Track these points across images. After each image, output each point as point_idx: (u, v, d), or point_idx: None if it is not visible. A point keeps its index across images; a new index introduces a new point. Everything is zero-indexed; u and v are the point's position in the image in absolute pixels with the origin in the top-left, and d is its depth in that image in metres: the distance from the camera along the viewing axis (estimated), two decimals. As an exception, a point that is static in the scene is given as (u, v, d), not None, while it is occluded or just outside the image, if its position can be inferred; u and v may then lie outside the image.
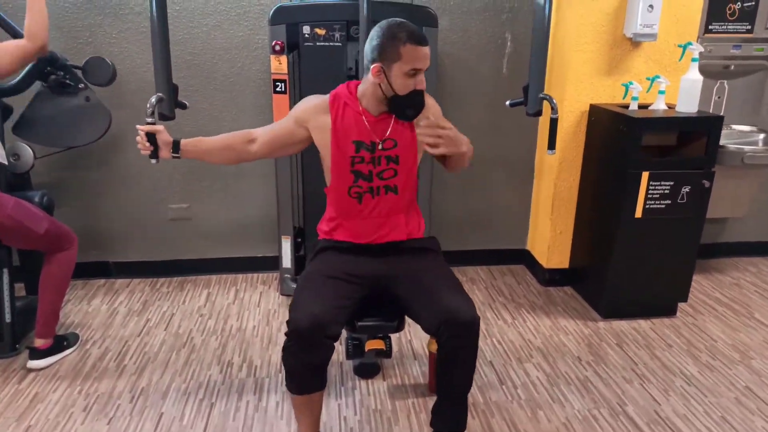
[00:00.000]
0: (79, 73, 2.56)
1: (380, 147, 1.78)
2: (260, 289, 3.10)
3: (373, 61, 1.65)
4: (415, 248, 1.88)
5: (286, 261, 2.94)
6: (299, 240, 3.03)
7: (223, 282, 3.17)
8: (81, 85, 2.56)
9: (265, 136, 1.84)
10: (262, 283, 3.17)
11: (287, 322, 1.62)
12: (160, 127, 1.76)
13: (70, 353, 2.47)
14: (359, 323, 1.81)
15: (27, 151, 2.57)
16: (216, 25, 2.88)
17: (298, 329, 1.57)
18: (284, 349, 1.62)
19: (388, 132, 1.78)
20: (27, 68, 2.47)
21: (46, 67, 2.50)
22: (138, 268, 3.19)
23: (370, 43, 1.67)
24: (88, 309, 2.86)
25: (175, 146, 1.78)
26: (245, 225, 3.20)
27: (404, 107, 1.71)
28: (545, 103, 2.17)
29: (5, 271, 2.39)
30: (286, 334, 1.61)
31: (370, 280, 1.80)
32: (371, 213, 1.82)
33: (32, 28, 2.07)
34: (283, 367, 1.69)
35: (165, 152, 1.79)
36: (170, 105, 1.95)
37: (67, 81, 2.54)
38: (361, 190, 1.80)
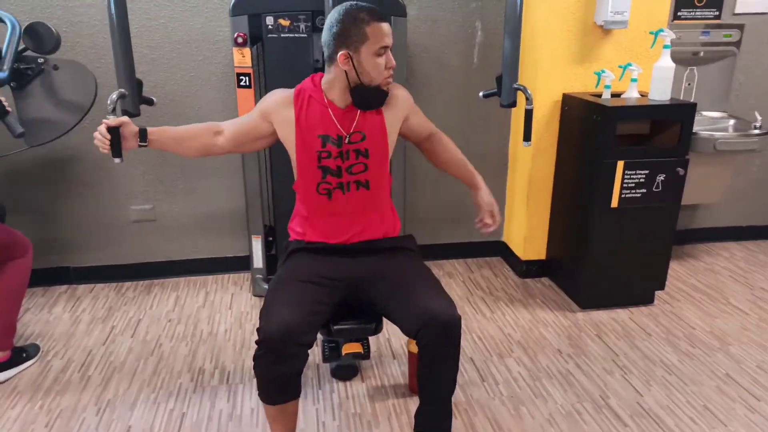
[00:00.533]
0: (30, 54, 2.36)
1: (347, 140, 1.70)
2: (231, 290, 2.99)
3: (337, 49, 1.58)
4: (391, 248, 1.81)
5: (258, 261, 2.84)
6: (270, 239, 2.93)
7: (192, 284, 3.06)
8: (40, 60, 2.36)
9: (232, 130, 1.76)
10: (234, 284, 3.06)
11: (257, 330, 1.53)
12: (124, 119, 1.65)
13: (30, 366, 2.33)
14: (335, 327, 1.74)
15: (-25, 154, 2.41)
16: (173, 16, 2.74)
17: (269, 338, 1.49)
18: (255, 358, 1.53)
19: (355, 124, 1.70)
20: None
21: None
22: (101, 272, 3.05)
23: (329, 32, 1.59)
24: (49, 318, 2.72)
25: (142, 135, 1.66)
26: (213, 224, 3.08)
27: (365, 99, 1.66)
28: (519, 94, 2.12)
29: (-46, 282, 2.24)
30: (256, 342, 1.52)
31: (346, 283, 1.72)
32: (342, 210, 1.74)
33: None
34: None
35: (132, 143, 1.65)
36: (134, 101, 1.82)
37: (24, 67, 2.34)
38: (330, 187, 1.72)
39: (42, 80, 2.35)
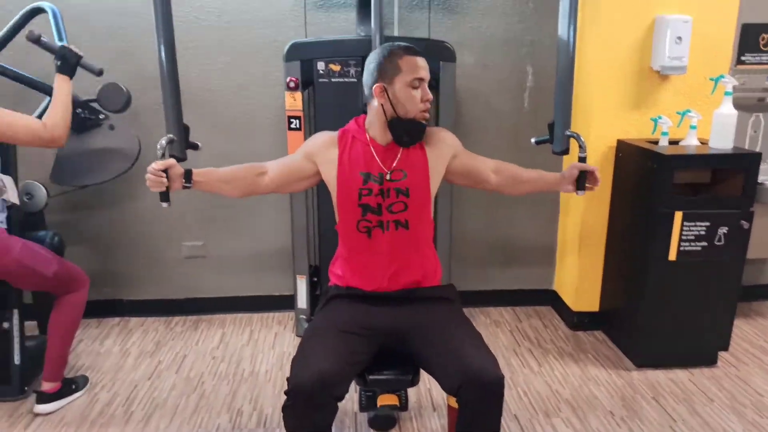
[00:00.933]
0: (96, 106, 2.54)
1: (388, 178, 1.69)
2: (275, 329, 3.00)
3: (374, 83, 1.65)
4: (432, 297, 1.75)
5: (301, 301, 2.84)
6: (315, 279, 2.94)
7: (239, 321, 3.09)
8: (101, 116, 2.55)
9: (276, 170, 1.79)
10: (278, 323, 3.08)
11: (288, 379, 1.50)
12: (171, 161, 1.69)
13: (78, 397, 2.39)
14: (370, 376, 1.69)
15: (40, 190, 2.55)
16: (231, 62, 2.86)
17: (300, 389, 1.45)
18: (284, 408, 1.49)
19: (396, 162, 1.70)
20: (41, 107, 2.47)
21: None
22: (153, 306, 3.13)
23: (367, 69, 1.68)
24: (100, 350, 2.79)
25: (187, 176, 1.71)
26: (261, 262, 3.13)
27: (402, 132, 1.68)
28: (572, 141, 2.06)
29: (15, 312, 2.35)
30: (286, 392, 1.49)
31: (383, 333, 1.67)
32: (382, 249, 1.71)
33: (55, 120, 2.03)
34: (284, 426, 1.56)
35: (177, 184, 1.69)
36: (182, 146, 1.88)
37: (87, 116, 2.52)
38: (370, 225, 1.70)
39: (96, 133, 2.53)
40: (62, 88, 2.10)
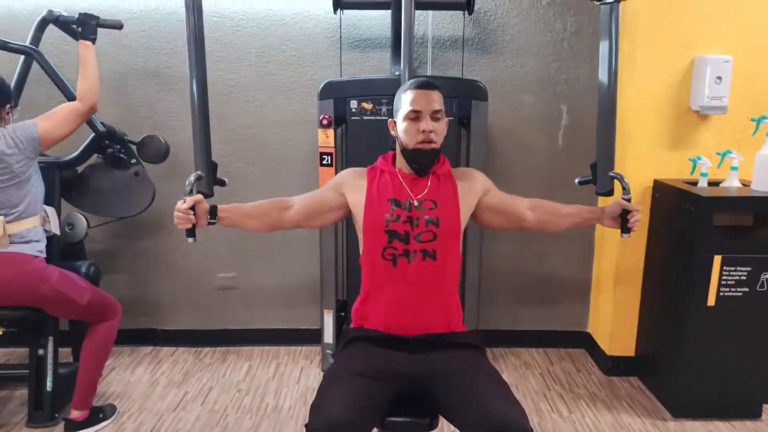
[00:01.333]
0: (134, 148, 2.65)
1: (416, 205, 1.70)
2: (302, 363, 3.00)
3: (390, 119, 1.78)
4: (457, 344, 1.70)
5: (328, 336, 2.83)
6: (342, 314, 2.93)
7: (266, 354, 3.10)
8: (133, 160, 2.66)
9: (301, 204, 1.82)
10: (305, 357, 3.07)
11: (306, 426, 1.47)
12: (199, 197, 1.72)
13: (105, 426, 2.42)
14: (388, 419, 1.65)
15: (81, 221, 2.65)
16: (268, 99, 2.94)
17: None
18: None
19: (426, 191, 1.73)
20: (87, 142, 2.59)
21: (105, 141, 2.60)
22: (184, 336, 3.18)
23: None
24: (130, 378, 2.84)
25: (213, 212, 1.74)
26: (291, 295, 3.14)
27: (410, 161, 1.73)
28: (616, 182, 1.99)
29: (50, 339, 2.42)
30: None
31: (404, 379, 1.63)
32: (406, 279, 1.68)
33: (85, 90, 2.24)
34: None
35: (203, 221, 1.73)
36: (209, 182, 1.93)
37: (122, 155, 2.63)
38: (396, 252, 1.68)
39: (119, 173, 2.65)
40: (87, 55, 2.29)
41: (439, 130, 1.69)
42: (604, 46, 1.88)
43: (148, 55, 2.90)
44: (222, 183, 1.97)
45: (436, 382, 1.61)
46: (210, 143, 1.92)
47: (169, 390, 2.73)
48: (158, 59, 2.90)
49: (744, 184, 2.47)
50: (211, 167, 1.92)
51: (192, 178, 1.79)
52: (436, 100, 1.68)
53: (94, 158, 2.68)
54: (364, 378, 1.58)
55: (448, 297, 1.74)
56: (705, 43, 2.53)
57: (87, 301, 2.26)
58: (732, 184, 2.46)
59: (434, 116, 1.67)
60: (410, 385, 1.64)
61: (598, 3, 1.91)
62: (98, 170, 2.70)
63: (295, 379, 2.84)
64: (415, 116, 1.67)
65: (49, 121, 2.18)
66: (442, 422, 1.69)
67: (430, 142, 1.67)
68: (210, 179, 1.90)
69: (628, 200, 1.80)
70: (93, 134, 2.59)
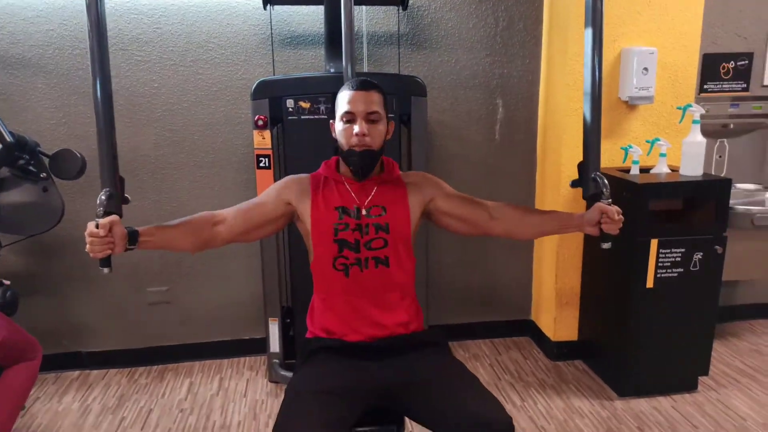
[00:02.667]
0: (46, 161, 2.42)
1: (365, 213, 1.63)
2: (247, 375, 2.87)
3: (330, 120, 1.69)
4: (420, 344, 1.65)
5: (274, 345, 2.72)
6: (288, 321, 2.83)
7: (207, 369, 2.94)
8: (43, 174, 2.40)
9: (236, 217, 1.65)
10: (249, 368, 2.94)
11: None
12: (115, 218, 1.45)
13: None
14: (354, 429, 1.59)
15: (-8, 240, 2.40)
16: (197, 100, 2.77)
17: None
18: None
19: (372, 197, 1.65)
20: (-4, 152, 2.33)
21: (15, 152, 2.35)
22: (114, 357, 2.96)
23: None
24: (58, 408, 2.60)
25: (132, 237, 1.48)
26: (229, 306, 2.99)
27: (348, 164, 1.64)
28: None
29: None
30: None
31: (374, 392, 1.55)
32: (361, 289, 1.62)
33: None
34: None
35: (119, 248, 1.46)
36: (118, 200, 1.57)
37: (31, 168, 2.38)
38: (348, 262, 1.61)
39: (27, 188, 2.41)
40: None
41: (375, 133, 1.60)
42: (588, 36, 1.72)
43: (60, 57, 2.66)
44: (126, 201, 1.61)
45: (408, 391, 1.55)
46: (116, 156, 1.59)
47: (103, 417, 2.52)
48: (70, 61, 2.67)
49: (672, 169, 2.58)
50: (120, 183, 1.58)
51: (103, 196, 1.50)
52: (373, 101, 1.60)
53: (3, 171, 2.42)
54: (330, 396, 1.49)
55: (405, 299, 1.69)
56: (631, 36, 2.63)
57: (2, 338, 2.01)
58: (662, 170, 2.56)
59: (369, 118, 1.59)
60: (380, 399, 1.57)
61: None
62: (6, 184, 2.44)
63: (242, 392, 2.71)
64: (350, 118, 1.59)
65: None
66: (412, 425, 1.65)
67: (365, 144, 1.59)
68: (119, 197, 1.61)
69: (609, 204, 1.62)
70: (0, 145, 2.34)
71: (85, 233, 1.43)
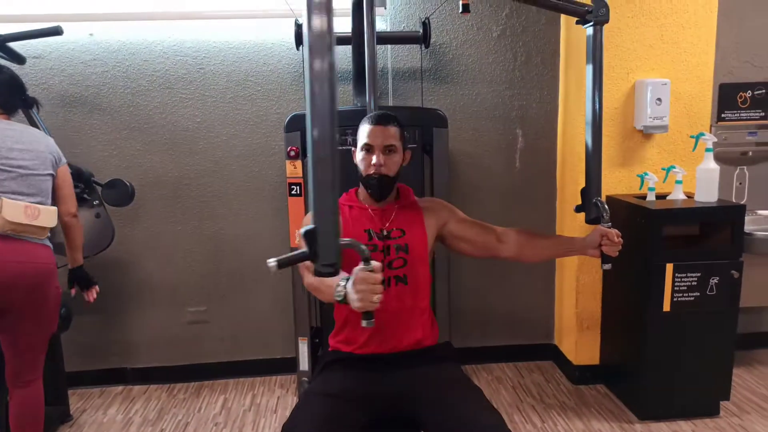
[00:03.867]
0: (99, 189, 2.66)
1: (388, 235, 1.78)
2: (278, 393, 3.01)
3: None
4: (431, 358, 1.77)
5: (303, 363, 2.86)
6: (317, 341, 2.96)
7: (240, 386, 3.10)
8: (96, 202, 2.66)
9: None
10: (280, 386, 3.08)
11: None
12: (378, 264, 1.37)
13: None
14: (372, 437, 1.71)
15: (50, 261, 2.62)
16: (235, 133, 3.00)
17: None
18: None
19: (391, 220, 1.81)
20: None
21: (73, 182, 2.60)
22: (155, 373, 3.15)
23: None
24: (103, 419, 2.79)
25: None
26: (263, 326, 3.16)
27: (366, 188, 1.80)
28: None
29: None
30: None
31: (382, 400, 1.67)
32: (382, 306, 1.72)
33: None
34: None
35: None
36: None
37: (86, 196, 2.63)
38: None
39: (82, 212, 2.64)
40: None
41: (390, 163, 1.76)
42: (589, 70, 1.84)
43: (112, 96, 2.93)
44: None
45: (414, 400, 1.65)
46: None
47: (144, 429, 2.69)
48: (121, 99, 2.93)
49: (688, 196, 2.65)
50: None
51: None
52: (390, 134, 1.76)
53: None
54: (338, 400, 1.61)
55: (421, 316, 1.81)
56: (644, 68, 2.74)
57: (52, 332, 2.20)
58: (677, 196, 2.64)
59: (386, 150, 1.75)
60: (388, 407, 1.68)
61: (583, 26, 1.85)
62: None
63: (272, 408, 2.85)
64: (368, 149, 1.76)
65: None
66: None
67: (380, 172, 1.75)
68: None
69: (609, 227, 1.74)
70: None
71: (364, 280, 1.35)
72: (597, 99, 1.82)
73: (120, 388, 3.12)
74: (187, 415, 2.81)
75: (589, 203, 1.81)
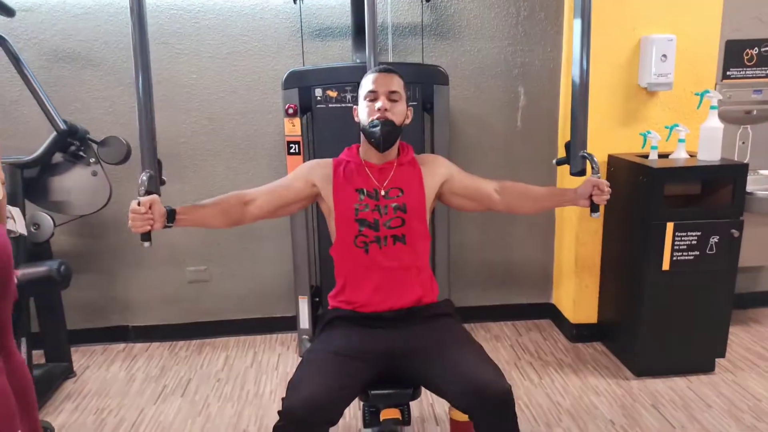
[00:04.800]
0: (95, 147, 2.63)
1: (383, 194, 1.76)
2: (279, 350, 3.04)
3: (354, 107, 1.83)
4: (431, 315, 1.78)
5: (304, 321, 2.89)
6: (317, 299, 2.99)
7: (242, 344, 3.13)
8: (92, 159, 2.63)
9: (264, 196, 1.80)
10: (281, 344, 3.11)
11: (282, 399, 1.51)
12: (155, 197, 1.61)
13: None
14: (372, 392, 1.73)
15: (47, 220, 2.62)
16: (232, 90, 2.94)
17: (291, 412, 1.46)
18: (275, 429, 1.49)
19: (390, 178, 1.78)
20: (49, 140, 2.55)
21: (67, 139, 2.57)
22: (157, 331, 3.17)
23: None
24: (106, 375, 2.83)
25: (170, 216, 1.65)
26: (263, 285, 3.18)
27: (369, 138, 1.75)
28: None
29: (23, 341, 2.39)
30: (278, 413, 1.50)
31: (383, 356, 1.69)
32: (380, 265, 1.75)
33: None
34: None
35: (159, 224, 1.62)
36: (157, 182, 1.79)
37: (81, 153, 2.60)
38: (367, 240, 1.74)
39: (79, 170, 2.63)
40: None
41: (395, 110, 1.73)
42: (576, 30, 1.86)
43: (106, 51, 2.86)
44: (163, 182, 1.84)
45: (416, 356, 1.67)
46: (155, 140, 1.79)
47: (147, 384, 2.73)
48: (115, 55, 2.86)
49: (691, 155, 2.63)
50: (157, 165, 1.79)
51: (144, 177, 1.68)
52: (394, 82, 1.74)
53: (56, 156, 2.64)
54: (341, 357, 1.64)
55: (420, 274, 1.81)
56: (650, 24, 2.68)
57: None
58: (680, 155, 2.61)
59: (390, 97, 1.73)
60: (391, 362, 1.70)
61: None
62: (59, 168, 2.67)
63: (274, 365, 2.88)
64: (372, 97, 1.73)
65: None
66: (424, 392, 1.78)
67: (386, 117, 1.71)
68: (157, 178, 1.77)
69: (598, 178, 1.81)
70: (55, 132, 2.55)
71: (129, 210, 1.59)
72: (584, 53, 1.86)
73: (122, 345, 3.15)
74: (190, 371, 2.85)
75: (576, 156, 1.86)
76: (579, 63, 1.88)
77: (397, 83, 1.75)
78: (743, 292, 3.23)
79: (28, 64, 2.61)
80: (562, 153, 3.06)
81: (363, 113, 1.76)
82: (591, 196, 1.80)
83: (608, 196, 1.80)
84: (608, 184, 1.80)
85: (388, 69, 1.78)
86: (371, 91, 1.73)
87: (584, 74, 1.89)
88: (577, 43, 1.87)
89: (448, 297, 2.79)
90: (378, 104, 1.71)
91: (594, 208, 1.82)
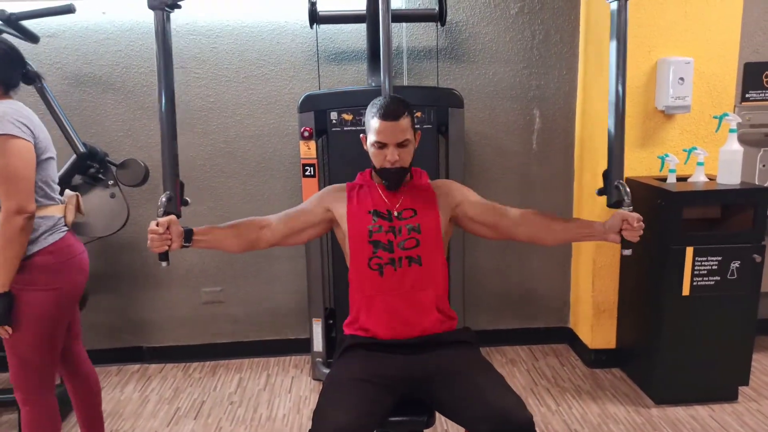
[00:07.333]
0: (114, 169, 2.66)
1: (396, 215, 1.77)
2: (292, 373, 3.02)
3: (363, 133, 1.82)
4: (451, 342, 1.76)
5: (317, 344, 2.87)
6: (330, 322, 2.97)
7: (255, 366, 3.12)
8: (110, 182, 2.66)
9: (280, 222, 1.82)
10: (294, 366, 3.10)
11: (310, 431, 1.50)
12: (172, 218, 1.67)
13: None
14: (386, 419, 1.70)
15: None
16: (248, 113, 2.98)
17: None
18: None
19: (402, 200, 1.79)
20: (69, 163, 2.59)
21: (87, 161, 2.60)
22: (171, 352, 3.18)
23: None
24: (120, 397, 2.83)
25: (187, 236, 1.70)
26: (277, 307, 3.17)
27: (382, 179, 1.79)
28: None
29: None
30: None
31: (403, 382, 1.67)
32: (395, 287, 1.73)
33: None
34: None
35: (176, 244, 1.67)
36: (177, 203, 1.81)
37: (101, 175, 2.64)
38: (382, 261, 1.73)
39: (97, 192, 2.65)
40: None
41: (405, 155, 1.73)
42: (613, 48, 1.74)
43: (126, 76, 2.91)
44: (186, 203, 1.85)
45: (435, 382, 1.65)
46: (178, 162, 1.82)
47: (160, 406, 2.73)
48: (135, 79, 2.92)
49: (710, 178, 2.59)
50: (179, 187, 1.81)
51: (163, 198, 1.72)
52: (402, 129, 1.69)
53: (75, 178, 2.68)
54: (365, 383, 1.62)
55: (438, 299, 1.79)
56: (667, 46, 2.66)
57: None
58: (699, 178, 2.58)
59: (399, 145, 1.71)
60: (409, 389, 1.68)
61: (607, 1, 1.75)
62: (79, 190, 2.69)
63: (287, 388, 2.86)
64: (381, 146, 1.72)
65: None
66: (439, 419, 1.74)
67: (396, 167, 1.73)
68: (177, 199, 1.79)
69: (630, 211, 1.66)
70: (74, 156, 2.59)
71: (147, 230, 1.63)
72: (620, 79, 1.74)
73: (137, 366, 3.15)
74: (203, 393, 2.84)
75: (611, 186, 1.74)
76: (615, 88, 1.76)
77: (405, 128, 1.71)
78: (766, 318, 3.15)
79: (50, 88, 2.66)
80: (579, 176, 3.07)
81: (373, 156, 1.76)
82: (621, 231, 1.65)
83: (641, 232, 1.63)
84: (640, 218, 1.62)
85: (394, 112, 1.69)
86: (379, 142, 1.71)
87: (620, 100, 1.76)
88: (612, 68, 1.76)
89: (464, 320, 2.78)
90: (388, 155, 1.71)
91: (625, 244, 1.65)
